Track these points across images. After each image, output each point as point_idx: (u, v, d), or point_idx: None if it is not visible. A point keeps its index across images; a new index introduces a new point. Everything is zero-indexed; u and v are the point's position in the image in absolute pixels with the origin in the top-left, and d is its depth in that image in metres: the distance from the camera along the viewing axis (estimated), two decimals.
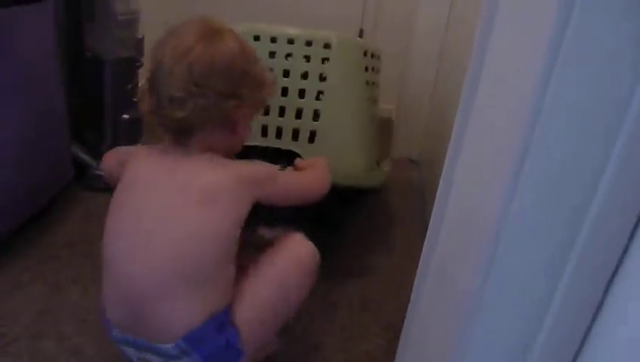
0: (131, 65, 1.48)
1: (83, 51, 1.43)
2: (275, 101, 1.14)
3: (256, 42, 1.16)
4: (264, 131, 1.16)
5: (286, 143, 1.15)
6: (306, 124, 1.15)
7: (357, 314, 1.21)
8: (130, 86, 1.50)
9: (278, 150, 1.16)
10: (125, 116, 1.51)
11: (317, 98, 1.17)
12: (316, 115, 1.16)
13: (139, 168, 0.86)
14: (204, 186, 0.81)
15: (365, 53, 1.24)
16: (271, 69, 1.12)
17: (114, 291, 0.83)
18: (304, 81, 1.16)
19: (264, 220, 1.06)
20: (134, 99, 1.54)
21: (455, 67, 1.51)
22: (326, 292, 1.26)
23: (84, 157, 1.52)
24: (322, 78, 1.17)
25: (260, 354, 1.00)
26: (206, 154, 0.85)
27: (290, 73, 1.15)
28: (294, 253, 0.91)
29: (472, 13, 1.38)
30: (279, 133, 1.16)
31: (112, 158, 0.97)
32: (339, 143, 1.17)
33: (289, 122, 1.15)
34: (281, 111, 1.16)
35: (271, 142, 1.16)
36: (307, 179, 0.97)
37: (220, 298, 0.81)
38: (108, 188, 1.48)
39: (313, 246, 0.92)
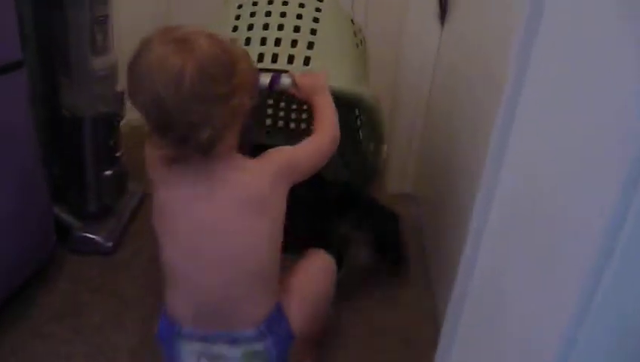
0: (112, 120, 1.41)
1: (60, 110, 1.36)
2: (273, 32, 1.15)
3: None
4: (260, 58, 1.13)
5: (281, 65, 1.13)
6: (301, 52, 1.14)
7: None
8: (112, 142, 1.43)
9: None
10: (108, 172, 1.44)
11: (311, 33, 1.17)
12: (310, 46, 1.15)
13: (174, 189, 0.90)
14: (252, 198, 0.89)
15: (352, 21, 1.27)
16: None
17: (192, 298, 0.91)
18: (299, 20, 1.17)
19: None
20: (117, 155, 1.48)
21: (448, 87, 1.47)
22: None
23: (68, 218, 1.45)
24: (315, 20, 1.18)
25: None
26: (234, 161, 0.90)
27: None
28: (325, 261, 1.10)
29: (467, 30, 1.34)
30: (275, 59, 1.13)
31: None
32: (333, 61, 1.17)
33: (285, 50, 1.14)
34: (277, 42, 1.14)
35: (266, 65, 1.12)
36: (320, 139, 1.00)
37: (277, 288, 0.95)
38: (93, 251, 1.43)
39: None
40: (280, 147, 0.95)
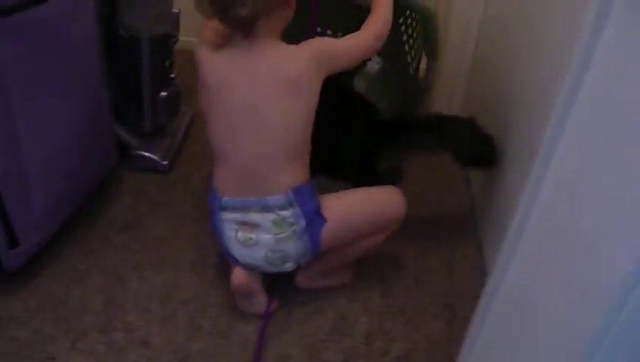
0: (168, 41, 1.44)
1: (118, 31, 1.38)
2: None
3: None
4: None
5: None
6: None
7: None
8: (167, 63, 1.46)
9: None
10: (164, 93, 1.48)
11: None
12: None
13: (219, 70, 1.01)
14: (289, 77, 0.98)
15: None
16: None
17: (231, 172, 1.05)
18: None
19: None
20: (171, 76, 1.51)
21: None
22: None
23: (125, 137, 1.51)
24: None
25: (335, 280, 1.21)
26: (275, 43, 1.00)
27: None
28: (391, 196, 1.12)
29: None
30: None
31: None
32: None
33: None
34: None
35: None
36: (364, 35, 1.05)
37: (306, 172, 1.05)
38: (150, 168, 1.50)
39: (404, 204, 1.12)
40: (323, 37, 1.07)
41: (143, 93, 1.46)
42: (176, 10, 1.43)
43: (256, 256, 1.06)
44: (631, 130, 0.51)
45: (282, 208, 1.02)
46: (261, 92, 1.00)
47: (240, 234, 1.05)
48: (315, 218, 1.05)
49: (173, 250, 1.29)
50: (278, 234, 1.03)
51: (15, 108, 1.01)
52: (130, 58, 1.41)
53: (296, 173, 1.04)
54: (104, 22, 1.38)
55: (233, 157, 1.04)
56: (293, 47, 1.00)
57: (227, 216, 1.06)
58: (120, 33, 1.38)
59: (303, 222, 1.03)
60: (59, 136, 1.13)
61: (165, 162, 1.51)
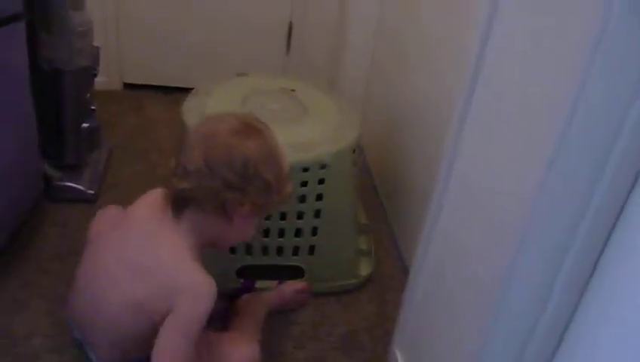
0: (89, 74, 1.49)
1: (39, 64, 1.41)
2: (275, 224, 1.20)
3: None
4: (265, 251, 1.23)
5: (288, 259, 1.25)
6: (306, 240, 1.24)
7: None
8: (88, 95, 1.51)
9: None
10: (85, 125, 1.52)
11: (315, 216, 1.21)
12: (314, 232, 1.23)
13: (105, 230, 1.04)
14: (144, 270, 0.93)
15: (354, 151, 1.24)
16: None
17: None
18: (302, 204, 1.19)
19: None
20: (92, 108, 1.55)
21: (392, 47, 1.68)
22: None
23: (48, 169, 1.51)
24: (319, 197, 1.20)
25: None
26: (176, 240, 0.93)
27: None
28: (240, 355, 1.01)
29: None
30: (280, 251, 1.24)
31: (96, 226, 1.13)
32: (336, 253, 1.28)
33: (289, 241, 1.23)
34: (281, 233, 1.22)
35: (273, 259, 1.25)
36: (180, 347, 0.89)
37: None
38: (76, 199, 1.51)
39: (257, 351, 1.02)
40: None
41: (65, 125, 1.49)
42: (97, 45, 1.50)
43: None
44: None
45: None
46: (119, 272, 0.97)
47: None
48: None
49: None
50: None
51: None
52: (53, 90, 1.44)
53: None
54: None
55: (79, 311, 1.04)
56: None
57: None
58: (41, 66, 1.41)
59: None
60: None
61: (92, 191, 1.53)
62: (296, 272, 1.29)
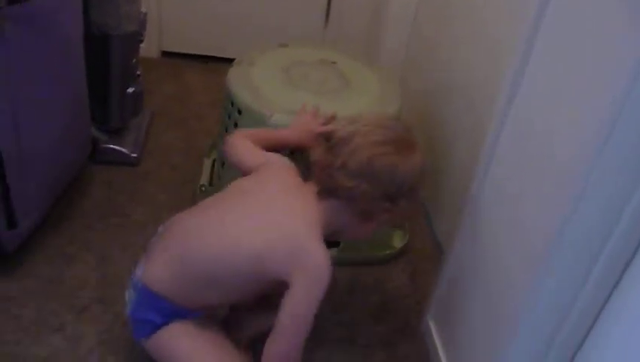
0: (135, 39, 1.52)
1: (89, 28, 1.45)
2: None
3: None
4: None
5: None
6: None
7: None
8: (134, 60, 1.54)
9: None
10: (131, 90, 1.56)
11: None
12: None
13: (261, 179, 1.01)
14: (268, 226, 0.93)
15: None
16: None
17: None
18: None
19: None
20: (137, 73, 1.59)
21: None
22: None
23: (94, 132, 1.56)
24: None
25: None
26: (313, 214, 0.94)
27: None
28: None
29: None
30: None
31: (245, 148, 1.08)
32: None
33: None
34: None
35: None
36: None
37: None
38: (119, 161, 1.55)
39: None
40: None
41: (112, 89, 1.52)
42: (144, 11, 1.52)
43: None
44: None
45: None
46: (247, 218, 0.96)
47: None
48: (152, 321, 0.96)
49: None
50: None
51: (17, 96, 1.06)
52: (100, 55, 1.47)
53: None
54: None
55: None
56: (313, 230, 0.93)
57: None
58: (90, 30, 1.45)
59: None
60: (51, 124, 1.19)
61: (135, 155, 1.58)
62: (332, 241, 1.32)
